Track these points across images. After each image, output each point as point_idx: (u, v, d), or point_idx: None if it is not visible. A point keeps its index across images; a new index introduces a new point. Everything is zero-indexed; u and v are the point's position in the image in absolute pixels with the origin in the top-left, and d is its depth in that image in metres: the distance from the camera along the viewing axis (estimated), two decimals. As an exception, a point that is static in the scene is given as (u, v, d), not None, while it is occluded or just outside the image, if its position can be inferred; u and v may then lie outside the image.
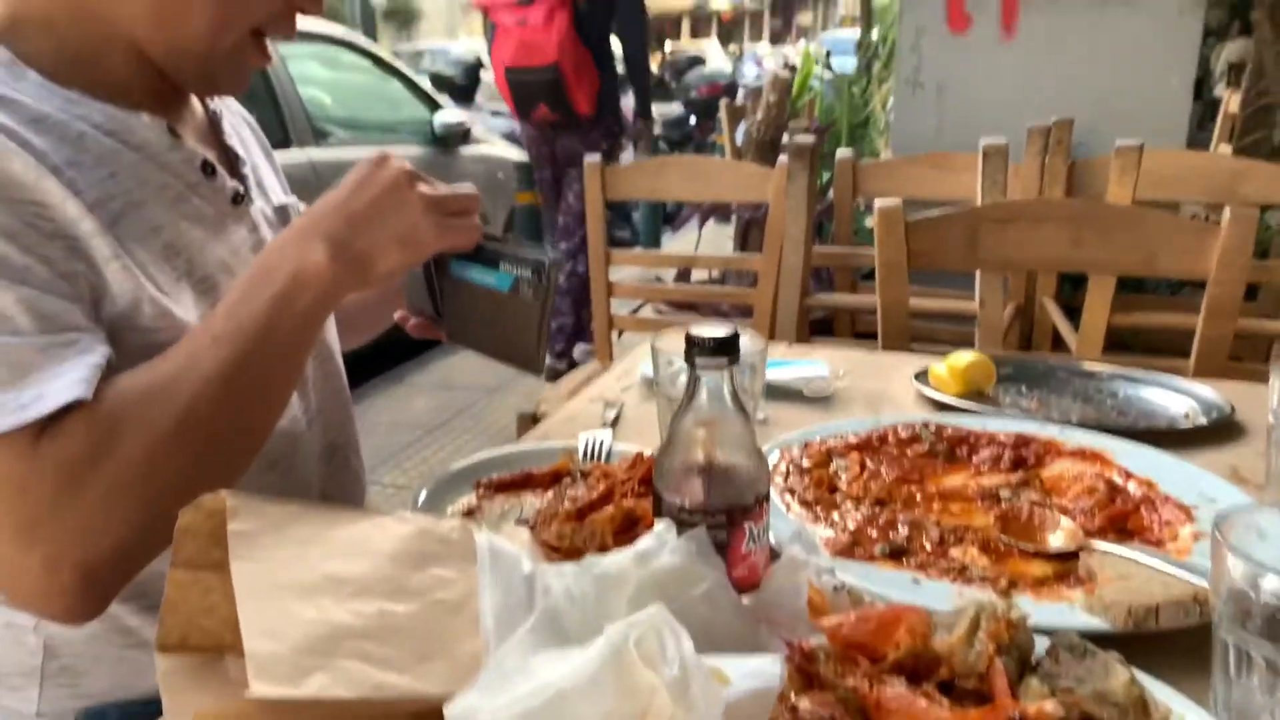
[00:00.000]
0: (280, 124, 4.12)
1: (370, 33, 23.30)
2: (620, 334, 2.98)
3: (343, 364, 1.09)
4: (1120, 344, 2.24)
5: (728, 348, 0.72)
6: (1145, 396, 1.24)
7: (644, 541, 0.65)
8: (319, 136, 4.32)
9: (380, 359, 4.40)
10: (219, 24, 0.82)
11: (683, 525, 0.71)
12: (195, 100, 0.97)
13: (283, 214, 1.02)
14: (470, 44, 18.85)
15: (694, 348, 0.72)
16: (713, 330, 0.73)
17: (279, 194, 1.05)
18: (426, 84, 5.81)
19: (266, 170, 1.06)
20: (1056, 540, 0.83)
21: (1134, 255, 1.56)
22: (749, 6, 43.37)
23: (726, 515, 0.71)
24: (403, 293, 1.02)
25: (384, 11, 24.77)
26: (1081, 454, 1.01)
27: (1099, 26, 2.62)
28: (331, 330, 1.08)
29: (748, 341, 1.08)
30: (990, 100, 2.71)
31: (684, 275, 3.49)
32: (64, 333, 0.73)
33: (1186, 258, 1.53)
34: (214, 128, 0.98)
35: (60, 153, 0.78)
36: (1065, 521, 0.85)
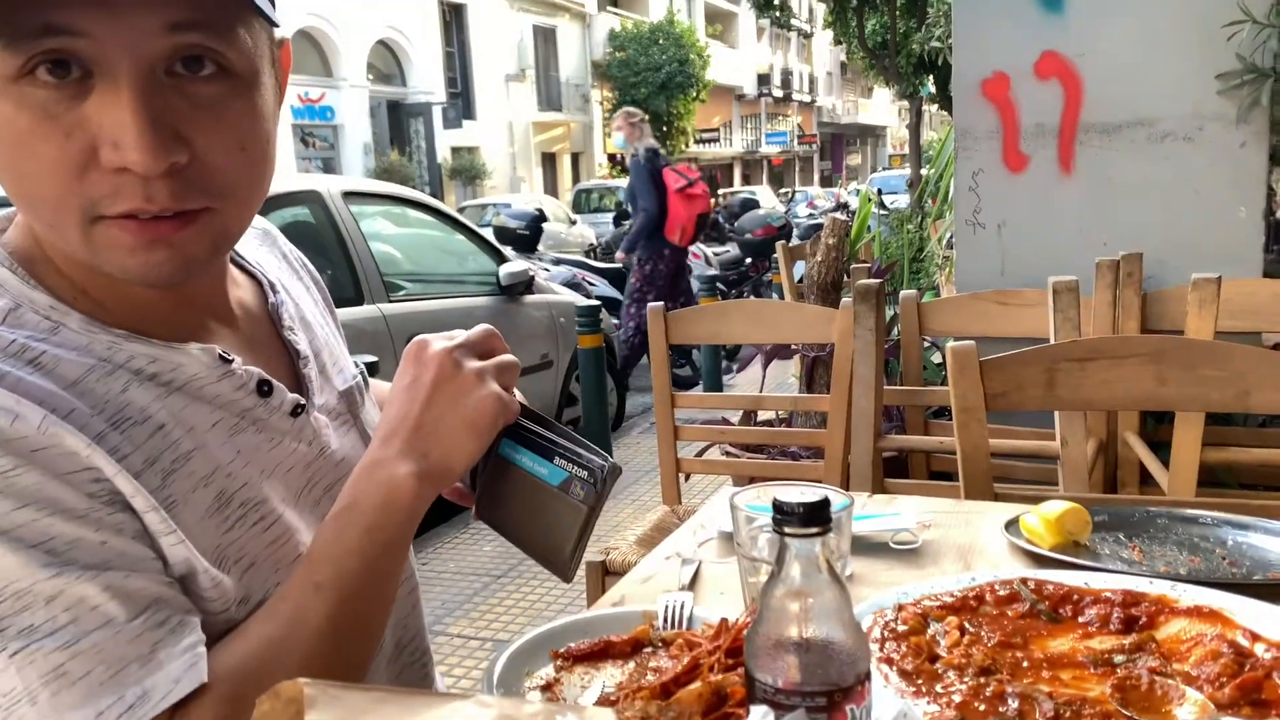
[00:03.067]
0: (354, 281, 4.27)
1: (437, 189, 24.45)
2: (687, 476, 2.94)
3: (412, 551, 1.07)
4: (1213, 480, 2.14)
5: (819, 516, 0.69)
6: (1257, 544, 1.16)
7: None
8: (390, 291, 4.46)
9: (444, 505, 4.38)
10: (43, 224, 0.74)
11: (779, 708, 0.67)
12: (248, 290, 0.93)
13: (348, 399, 0.97)
14: (531, 197, 19.62)
15: (783, 517, 0.69)
16: (802, 496, 0.70)
17: (345, 374, 1.00)
18: (491, 236, 6.01)
19: (333, 337, 1.02)
20: (1185, 714, 0.76)
21: (1225, 392, 1.50)
22: (798, 150, 44.64)
23: (826, 697, 0.67)
24: None
25: (450, 169, 25.99)
26: (1198, 612, 0.94)
27: (1158, 162, 2.62)
28: None
29: (833, 498, 1.05)
30: (1053, 236, 2.71)
31: (749, 416, 3.46)
32: (155, 610, 0.70)
33: (1282, 392, 1.46)
34: (273, 322, 0.93)
35: (100, 420, 0.72)
36: (1192, 693, 0.79)
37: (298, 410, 0.88)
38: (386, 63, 23.93)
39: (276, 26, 0.76)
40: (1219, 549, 1.17)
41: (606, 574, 2.28)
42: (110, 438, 0.72)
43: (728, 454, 3.08)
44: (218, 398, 0.81)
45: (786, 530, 0.69)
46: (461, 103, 26.77)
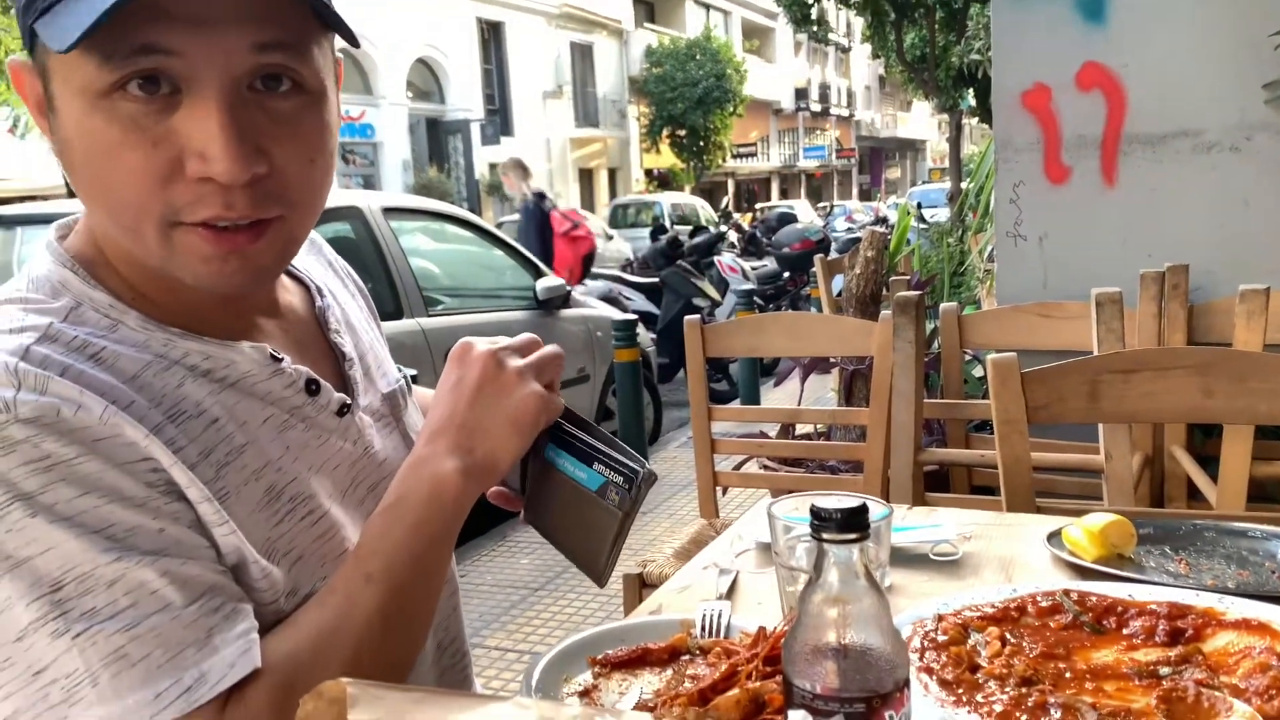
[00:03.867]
0: (393, 296, 4.33)
1: (475, 205, 24.67)
2: (725, 490, 2.93)
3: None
4: (1263, 495, 2.10)
5: (857, 522, 0.69)
6: (1308, 558, 1.14)
7: None
8: (429, 305, 4.51)
9: (482, 518, 4.42)
10: (124, 229, 0.76)
11: (817, 714, 0.67)
12: (297, 295, 0.96)
13: (390, 402, 0.99)
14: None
15: (822, 523, 0.69)
16: (840, 502, 0.70)
17: (389, 377, 1.02)
18: (527, 252, 6.06)
19: (377, 342, 1.05)
20: (1234, 728, 0.75)
21: (1274, 404, 1.48)
22: (837, 164, 44.48)
23: (865, 704, 0.66)
24: None
25: (488, 185, 26.21)
26: (1246, 625, 0.92)
27: (1204, 172, 2.58)
28: None
29: (872, 508, 1.04)
30: (1095, 248, 2.67)
31: (787, 429, 3.45)
32: (210, 597, 0.73)
33: (1333, 405, 1.43)
34: (320, 325, 0.96)
35: (158, 413, 0.75)
36: (1240, 705, 0.77)
37: (343, 410, 0.90)
38: (425, 80, 24.23)
39: (357, 46, 0.80)
40: (1269, 562, 1.14)
41: (643, 586, 2.28)
42: (167, 430, 0.75)
43: (765, 468, 3.07)
44: (269, 394, 0.84)
45: (825, 536, 0.69)
46: (499, 119, 27.01)
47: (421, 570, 0.82)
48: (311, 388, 0.88)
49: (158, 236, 0.74)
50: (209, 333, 0.82)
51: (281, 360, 0.85)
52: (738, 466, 3.34)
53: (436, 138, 24.55)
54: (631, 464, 0.86)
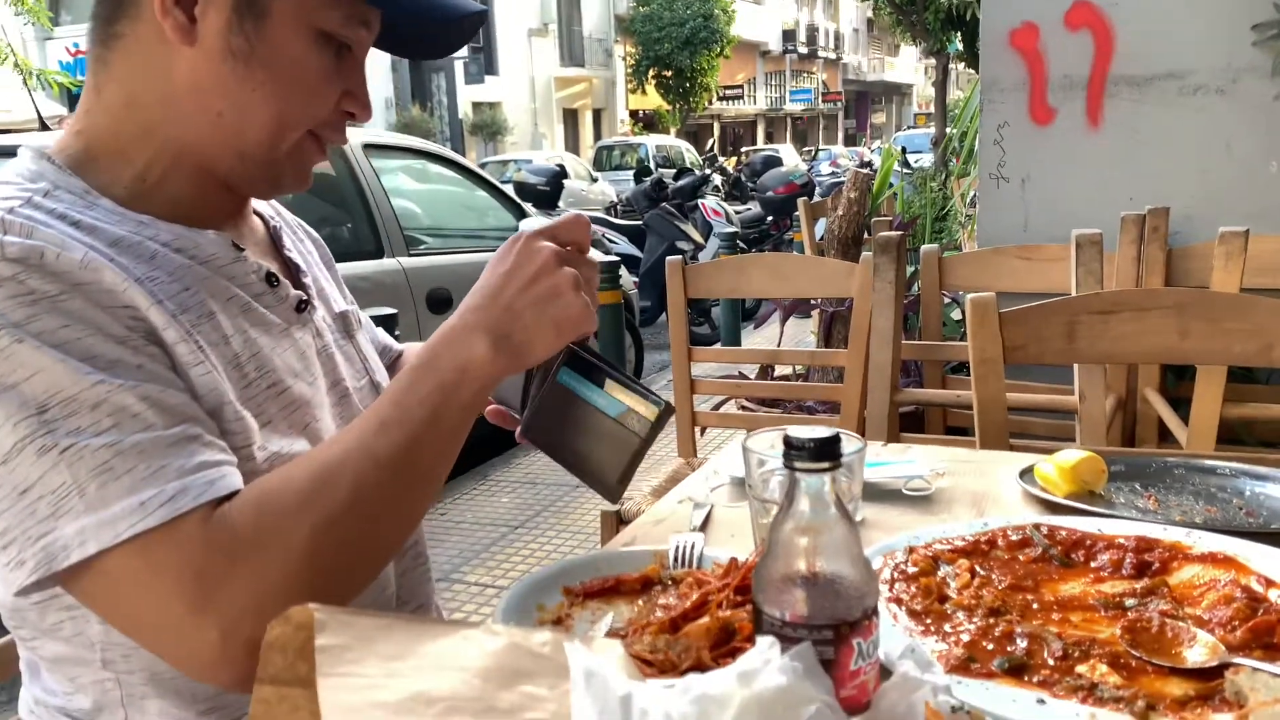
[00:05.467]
0: (374, 235, 4.27)
1: (458, 145, 24.35)
2: (703, 430, 2.95)
3: None
4: (1233, 437, 2.13)
5: (829, 451, 0.69)
6: (1275, 494, 1.15)
7: (746, 660, 0.61)
8: (411, 245, 4.46)
9: (464, 456, 4.43)
10: (277, 131, 0.88)
11: (785, 641, 0.67)
12: (256, 219, 1.03)
13: (343, 320, 1.07)
14: (553, 154, 19.51)
15: (793, 451, 0.69)
16: (813, 432, 0.70)
17: (340, 302, 1.09)
18: (511, 192, 5.99)
19: (327, 281, 1.11)
20: (1195, 655, 0.76)
21: (1248, 345, 1.49)
22: (823, 108, 44.08)
23: (833, 630, 0.67)
24: None
25: (471, 125, 25.86)
26: (1212, 559, 0.93)
27: (1188, 115, 2.57)
28: None
29: (845, 442, 1.04)
30: (1077, 191, 2.66)
31: (766, 371, 3.46)
32: (190, 425, 0.77)
33: (1306, 346, 1.44)
34: (275, 243, 1.03)
35: (138, 269, 0.82)
36: (1203, 635, 0.78)
37: (301, 306, 0.97)
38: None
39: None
40: (1236, 499, 1.16)
41: (620, 523, 2.30)
42: (144, 284, 0.81)
43: (743, 408, 3.08)
44: (233, 277, 0.91)
45: (797, 465, 0.69)
46: (483, 58, 26.55)
47: (439, 432, 0.83)
48: (271, 280, 0.94)
49: (294, 141, 0.89)
50: (179, 222, 0.89)
51: (243, 250, 0.92)
52: (716, 407, 3.36)
53: (419, 76, 24.13)
54: (653, 395, 0.91)
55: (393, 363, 1.21)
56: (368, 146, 4.53)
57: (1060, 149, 2.66)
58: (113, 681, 0.83)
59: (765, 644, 0.65)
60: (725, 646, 0.79)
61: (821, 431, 0.70)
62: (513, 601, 0.91)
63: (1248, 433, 2.14)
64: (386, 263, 4.25)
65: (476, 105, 26.26)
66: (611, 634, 0.85)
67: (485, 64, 26.52)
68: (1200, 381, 1.77)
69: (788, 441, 0.70)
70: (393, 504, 0.81)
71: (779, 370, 3.45)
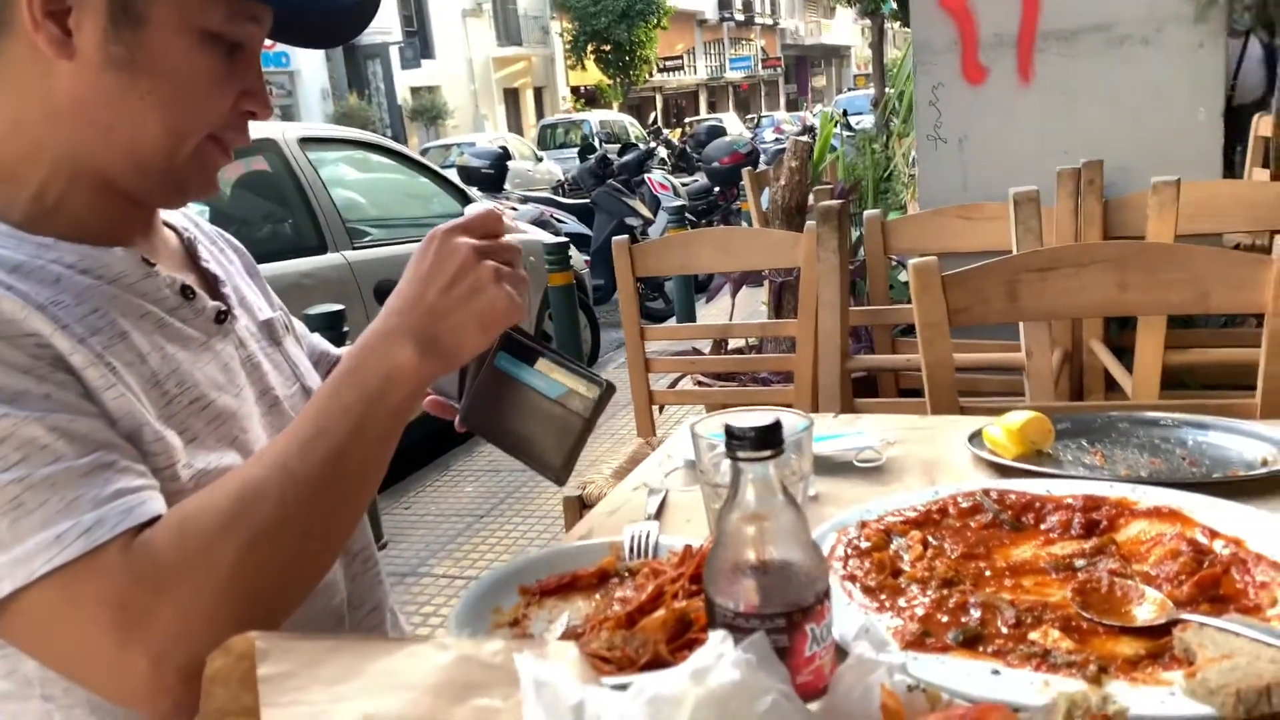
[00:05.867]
0: (316, 230, 4.20)
1: (399, 131, 23.99)
2: (661, 408, 2.94)
3: None
4: (1177, 382, 2.16)
5: (771, 438, 0.68)
6: (1217, 443, 1.18)
7: (699, 656, 0.60)
8: (355, 238, 4.40)
9: (426, 448, 4.40)
10: (173, 139, 0.85)
11: (739, 631, 0.67)
12: (168, 232, 1.00)
13: (268, 328, 1.04)
14: (495, 135, 19.31)
15: (735, 441, 0.68)
16: (754, 420, 0.69)
17: (265, 310, 1.07)
18: (454, 177, 5.91)
19: (251, 289, 1.08)
20: (1144, 613, 0.77)
21: (1185, 294, 1.51)
22: (763, 74, 44.05)
23: (786, 618, 0.67)
24: None
25: (411, 111, 25.50)
26: (1158, 513, 0.95)
27: (1116, 67, 2.59)
28: None
29: (792, 420, 1.04)
30: (1013, 148, 2.68)
31: (720, 345, 3.46)
32: (104, 452, 0.75)
33: (1241, 292, 1.47)
34: (190, 255, 1.00)
35: (41, 294, 0.79)
36: (1151, 592, 0.79)
37: (221, 317, 0.95)
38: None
39: None
40: (1179, 450, 1.18)
41: (583, 507, 2.29)
42: (48, 310, 0.78)
43: (699, 384, 3.08)
44: (145, 294, 0.88)
45: (740, 455, 0.69)
46: (419, 41, 26.17)
47: (367, 441, 0.81)
48: (187, 293, 0.92)
49: (193, 147, 0.86)
50: (85, 242, 0.86)
51: (154, 265, 0.90)
52: (673, 384, 3.35)
53: (354, 63, 23.72)
54: (594, 375, 0.91)
55: (330, 368, 1.19)
56: (304, 140, 4.44)
57: (995, 107, 2.68)
58: (57, 716, 0.81)
59: (718, 638, 0.64)
60: (683, 638, 0.79)
61: (763, 418, 0.70)
62: (468, 605, 0.90)
63: (1190, 377, 2.18)
64: (330, 257, 4.18)
65: (415, 90, 25.89)
66: (568, 632, 0.84)
67: (421, 48, 26.15)
68: (1141, 331, 1.79)
69: (729, 431, 0.69)
70: (321, 518, 0.79)
71: (733, 343, 3.45)
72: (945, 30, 2.73)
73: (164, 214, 1.00)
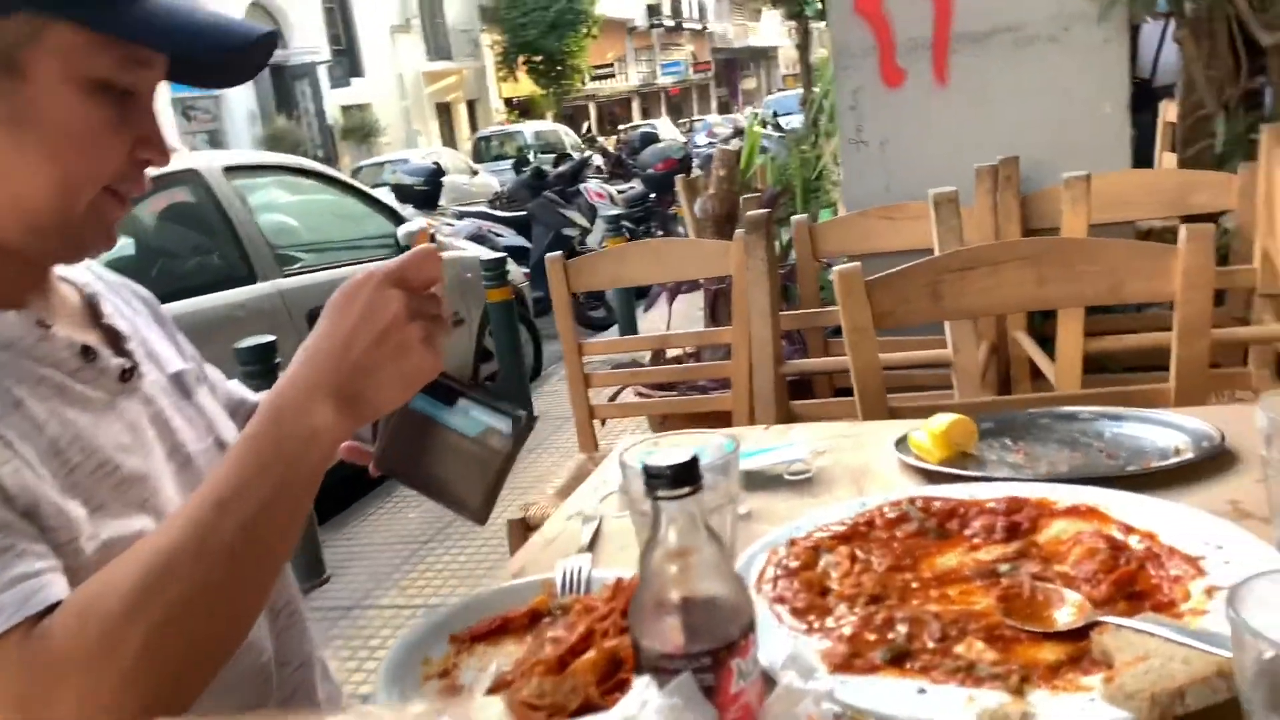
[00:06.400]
0: (244, 260, 4.12)
1: (330, 151, 23.68)
2: (604, 422, 2.94)
3: None
4: (1099, 367, 2.22)
5: (688, 475, 0.68)
6: (1132, 434, 1.20)
7: (624, 705, 0.60)
8: (285, 265, 4.33)
9: (366, 478, 4.34)
10: (64, 195, 0.82)
11: (665, 673, 0.66)
12: (66, 288, 0.96)
13: (178, 381, 1.01)
14: (430, 151, 19.15)
15: (653, 480, 0.68)
16: (671, 457, 0.69)
17: (175, 361, 1.04)
18: (387, 196, 5.84)
19: (161, 340, 1.05)
20: (1064, 617, 0.78)
21: (1099, 286, 1.54)
22: (694, 78, 44.32)
23: (712, 656, 0.66)
24: None
25: (343, 130, 25.18)
26: (1076, 511, 0.97)
27: (1028, 66, 2.65)
28: None
29: (718, 443, 1.04)
30: (933, 148, 2.73)
31: (660, 353, 3.47)
32: (1, 535, 0.72)
33: (1152, 282, 1.51)
34: (92, 310, 0.96)
35: None
36: (1070, 594, 0.81)
37: (126, 375, 0.92)
38: (264, 22, 22.89)
39: None
40: (1097, 442, 1.20)
41: (527, 529, 2.28)
42: None
43: (640, 395, 3.09)
44: (42, 358, 0.85)
45: (660, 494, 0.68)
46: (347, 60, 25.88)
47: (284, 503, 0.78)
48: (88, 354, 0.89)
49: (88, 202, 0.83)
50: None
51: (50, 327, 0.86)
52: (614, 396, 3.35)
53: (282, 84, 23.36)
54: (513, 409, 0.88)
55: (248, 417, 1.17)
56: (228, 169, 4.36)
57: (913, 110, 2.72)
58: None
59: (641, 684, 0.64)
60: (614, 678, 0.79)
61: (680, 454, 0.69)
62: (395, 659, 0.88)
63: (1112, 361, 2.23)
64: (260, 287, 4.11)
65: (345, 109, 25.58)
66: (499, 680, 0.83)
67: (350, 66, 25.86)
68: (1061, 323, 1.83)
69: (647, 470, 0.69)
70: (237, 588, 0.76)
71: (672, 352, 3.46)
72: (863, 35, 2.77)
73: (62, 269, 0.97)
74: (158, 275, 3.96)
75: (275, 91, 22.99)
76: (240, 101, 21.62)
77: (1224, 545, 0.84)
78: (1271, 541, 0.84)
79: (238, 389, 1.20)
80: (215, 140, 20.76)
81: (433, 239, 5.09)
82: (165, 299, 1.15)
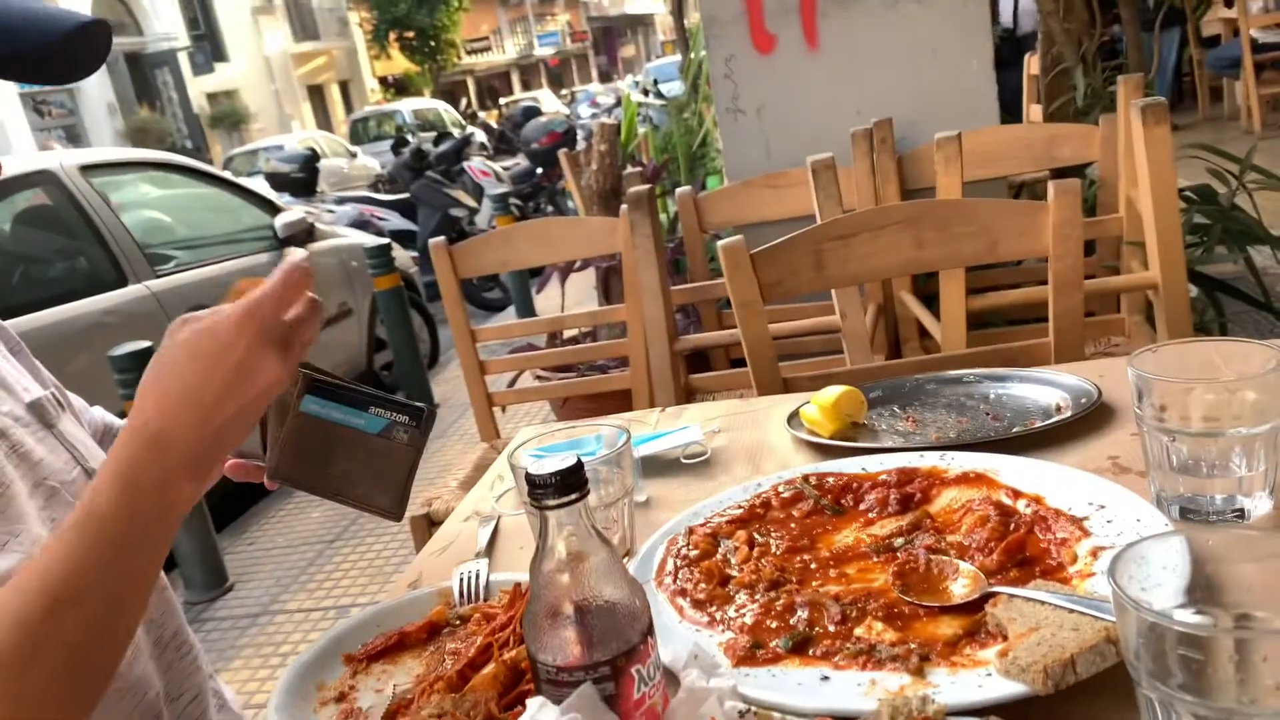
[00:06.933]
0: (111, 262, 3.91)
1: (200, 141, 22.70)
2: (504, 409, 2.89)
3: None
4: (983, 323, 2.28)
5: (573, 481, 0.66)
6: (1015, 394, 1.23)
7: None
8: (156, 264, 4.12)
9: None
10: None
11: (563, 686, 0.65)
12: None
13: (38, 410, 0.96)
14: (305, 135, 18.52)
15: (538, 490, 0.66)
16: (553, 465, 0.67)
17: (33, 389, 0.98)
18: (262, 186, 5.60)
19: (17, 369, 1.00)
20: (959, 589, 0.79)
21: (976, 245, 1.57)
22: (572, 48, 43.91)
23: (610, 665, 0.65)
24: None
25: (210, 118, 24.17)
26: (966, 479, 0.98)
27: (894, 26, 2.68)
28: None
29: (610, 434, 1.02)
30: (810, 113, 2.75)
31: (555, 335, 3.43)
32: None
33: (1024, 238, 1.54)
34: None
35: None
36: (964, 566, 0.82)
37: None
38: (114, 9, 21.65)
39: None
40: (983, 405, 1.23)
41: (431, 524, 2.23)
42: None
43: (539, 378, 3.05)
44: None
45: (546, 504, 0.66)
46: (209, 45, 24.80)
47: (140, 575, 0.73)
48: None
49: None
50: None
51: None
52: (512, 382, 3.30)
53: (140, 73, 22.25)
54: (414, 402, 0.86)
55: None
56: (85, 168, 4.12)
57: (787, 75, 2.73)
58: None
59: (535, 705, 0.62)
60: (516, 689, 0.77)
61: (562, 461, 0.67)
62: (287, 687, 0.84)
63: (995, 316, 2.29)
64: (132, 289, 3.91)
65: (212, 96, 24.53)
66: (398, 700, 0.80)
67: (212, 51, 24.79)
68: (943, 283, 1.87)
69: (530, 480, 0.66)
70: (95, 648, 0.71)
71: (569, 332, 3.42)
72: (732, 1, 2.75)
73: None
74: (18, 284, 3.74)
75: (134, 81, 21.89)
76: (97, 93, 20.52)
77: (1106, 505, 0.86)
78: (1149, 496, 0.87)
79: (102, 416, 1.13)
80: (72, 134, 19.68)
81: (310, 230, 4.92)
82: (27, 309, 1.07)
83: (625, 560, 0.94)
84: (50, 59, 0.82)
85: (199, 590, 3.29)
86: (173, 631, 0.99)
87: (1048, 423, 1.10)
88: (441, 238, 2.45)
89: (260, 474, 0.91)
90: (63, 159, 4.15)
